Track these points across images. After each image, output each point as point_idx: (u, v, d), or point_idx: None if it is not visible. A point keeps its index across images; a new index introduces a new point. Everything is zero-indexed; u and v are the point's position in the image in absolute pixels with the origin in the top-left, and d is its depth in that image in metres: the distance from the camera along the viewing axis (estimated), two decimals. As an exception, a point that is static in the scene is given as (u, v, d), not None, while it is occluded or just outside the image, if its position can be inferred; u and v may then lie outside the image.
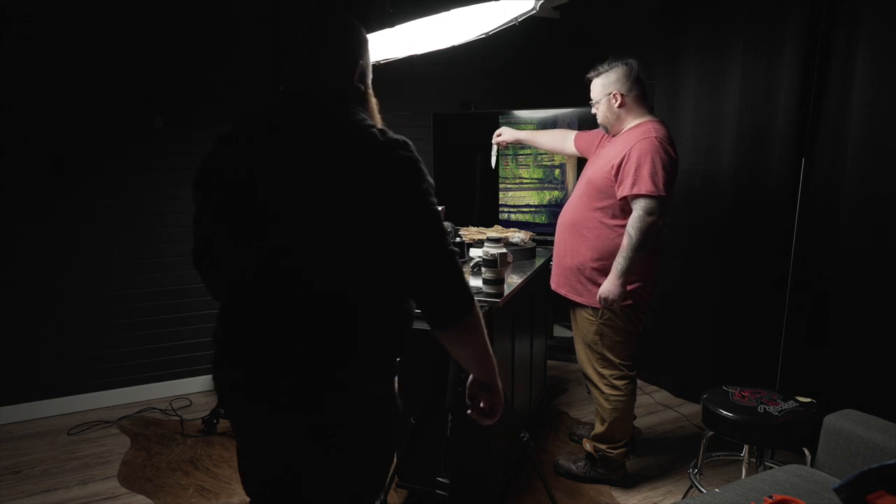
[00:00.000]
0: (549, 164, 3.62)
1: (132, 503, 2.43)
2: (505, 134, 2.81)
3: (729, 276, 3.03)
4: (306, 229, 1.11)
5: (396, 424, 1.27)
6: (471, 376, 1.33)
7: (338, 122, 1.16)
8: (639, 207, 2.17)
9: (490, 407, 1.33)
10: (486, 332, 1.23)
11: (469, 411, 1.35)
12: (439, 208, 1.16)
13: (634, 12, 3.63)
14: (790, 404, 2.03)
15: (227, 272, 1.21)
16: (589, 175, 2.39)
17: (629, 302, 2.32)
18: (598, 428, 2.48)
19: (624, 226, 2.23)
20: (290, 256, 1.13)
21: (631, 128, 2.31)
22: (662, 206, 2.17)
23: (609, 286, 2.23)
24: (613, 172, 2.25)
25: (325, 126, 1.16)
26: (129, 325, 3.31)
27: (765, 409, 1.99)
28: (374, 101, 1.31)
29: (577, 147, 2.68)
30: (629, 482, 2.56)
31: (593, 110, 2.41)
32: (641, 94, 2.32)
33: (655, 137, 2.20)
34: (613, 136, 2.41)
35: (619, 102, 2.30)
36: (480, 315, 1.20)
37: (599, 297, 2.27)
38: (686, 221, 3.23)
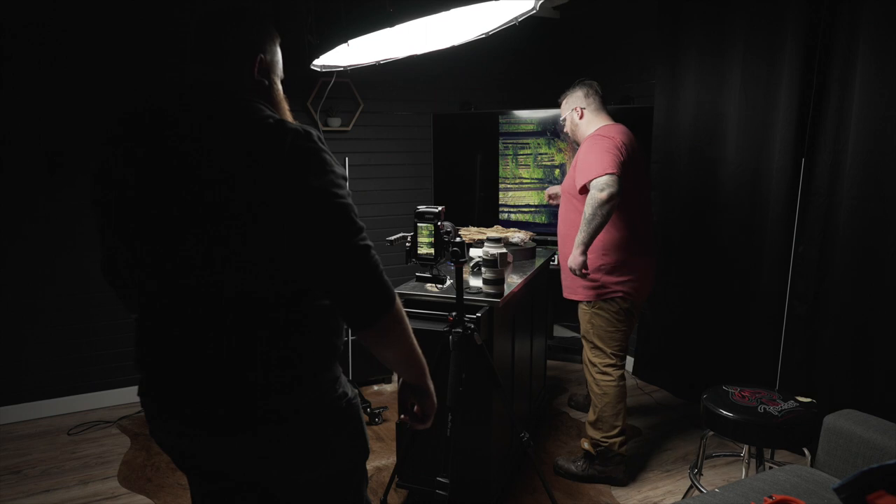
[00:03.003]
0: (549, 164, 3.62)
1: (132, 503, 2.43)
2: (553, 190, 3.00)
3: (729, 276, 3.02)
4: (207, 229, 1.04)
5: (344, 419, 1.19)
6: (400, 379, 1.28)
7: (230, 111, 1.09)
8: (592, 186, 2.36)
9: (422, 412, 1.28)
10: (411, 331, 1.16)
11: (401, 416, 1.30)
12: (348, 201, 1.06)
13: (634, 12, 3.63)
14: (790, 404, 2.03)
15: (134, 287, 1.16)
16: (565, 187, 2.65)
17: (620, 293, 2.49)
18: (591, 416, 2.60)
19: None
20: (195, 262, 1.06)
21: (588, 135, 2.58)
22: (614, 181, 2.33)
23: (571, 257, 2.41)
24: (574, 176, 2.51)
25: (217, 116, 1.08)
26: (129, 325, 3.29)
27: (765, 409, 1.99)
28: (282, 98, 1.23)
29: None
30: (629, 482, 2.56)
31: (564, 129, 2.72)
32: (600, 106, 2.64)
33: (598, 135, 2.49)
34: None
35: (579, 115, 2.63)
36: (403, 314, 1.12)
37: (569, 267, 2.44)
38: (686, 221, 3.23)
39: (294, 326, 1.10)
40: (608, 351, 2.57)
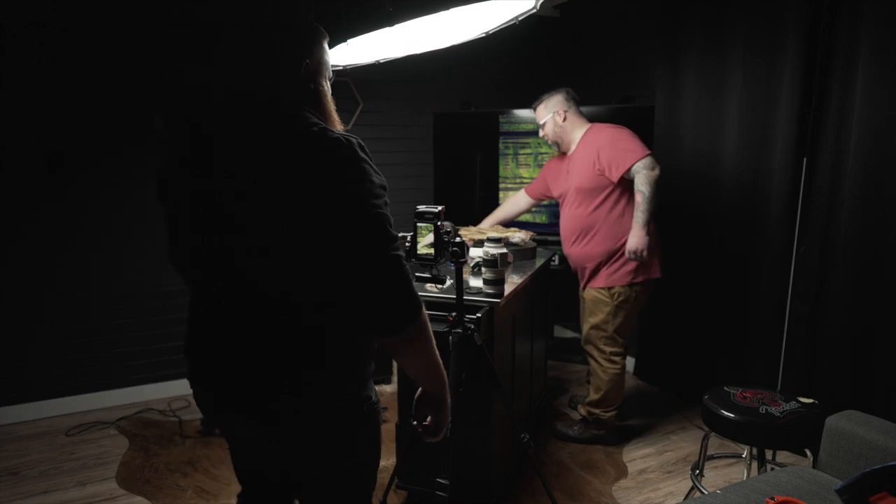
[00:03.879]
0: (549, 164, 3.61)
1: (131, 504, 2.43)
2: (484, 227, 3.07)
3: (730, 276, 3.01)
4: (250, 232, 1.10)
5: (364, 422, 1.25)
6: (419, 389, 1.30)
7: (278, 121, 1.13)
8: (640, 167, 2.50)
9: (436, 424, 1.30)
10: (433, 343, 1.19)
11: (414, 423, 1.32)
12: (383, 211, 1.10)
13: (635, 11, 3.62)
14: (792, 405, 2.02)
15: (189, 281, 1.24)
16: (574, 185, 2.69)
17: (651, 275, 2.68)
18: (593, 396, 2.81)
19: (627, 202, 2.60)
20: (231, 262, 1.13)
21: (582, 136, 2.71)
22: (655, 160, 2.53)
23: (636, 239, 2.52)
24: (596, 171, 2.60)
25: (266, 126, 1.13)
26: (128, 326, 3.30)
27: (766, 409, 1.98)
28: (329, 101, 1.25)
29: (531, 194, 3.07)
30: (630, 483, 2.55)
31: (541, 133, 2.81)
32: (579, 111, 2.76)
33: (608, 126, 2.67)
34: (564, 152, 2.80)
35: (563, 118, 2.72)
36: (428, 326, 1.16)
37: (628, 251, 2.55)
38: (687, 220, 3.22)
39: (322, 329, 1.14)
40: (620, 340, 2.74)
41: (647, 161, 2.50)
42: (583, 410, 2.87)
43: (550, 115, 2.73)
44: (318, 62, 1.22)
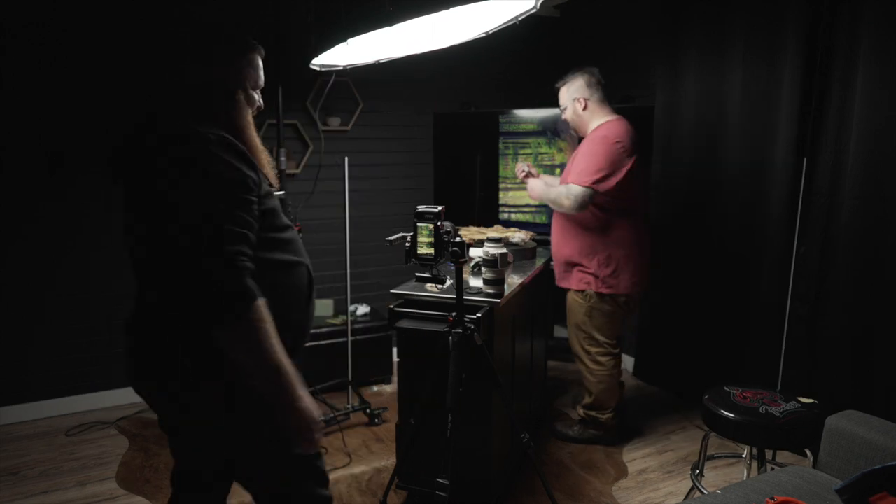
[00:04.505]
0: (549, 163, 3.61)
1: (131, 504, 2.43)
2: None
3: (730, 276, 3.01)
4: (137, 230, 1.28)
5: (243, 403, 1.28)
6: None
7: (160, 123, 1.28)
8: (577, 190, 2.48)
9: (284, 435, 1.22)
10: (261, 348, 1.14)
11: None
12: (217, 206, 1.17)
13: (635, 12, 3.62)
14: (792, 405, 2.02)
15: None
16: (567, 180, 2.65)
17: (622, 290, 2.64)
18: (587, 399, 2.82)
19: (607, 215, 2.56)
20: (135, 249, 1.31)
21: (595, 129, 2.61)
22: (586, 198, 2.48)
23: (535, 184, 2.66)
24: None
25: (154, 129, 1.28)
26: (128, 326, 3.30)
27: (766, 409, 1.98)
28: (242, 115, 1.34)
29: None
30: (630, 483, 2.55)
31: (563, 115, 2.74)
32: (603, 97, 2.65)
33: (603, 136, 2.52)
34: (582, 138, 2.71)
35: (583, 106, 2.63)
36: (249, 328, 1.13)
37: (520, 171, 2.72)
38: (687, 221, 3.22)
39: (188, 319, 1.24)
40: (602, 340, 2.71)
41: (582, 192, 2.46)
42: (580, 412, 2.88)
43: (571, 101, 2.66)
44: (236, 73, 1.32)
